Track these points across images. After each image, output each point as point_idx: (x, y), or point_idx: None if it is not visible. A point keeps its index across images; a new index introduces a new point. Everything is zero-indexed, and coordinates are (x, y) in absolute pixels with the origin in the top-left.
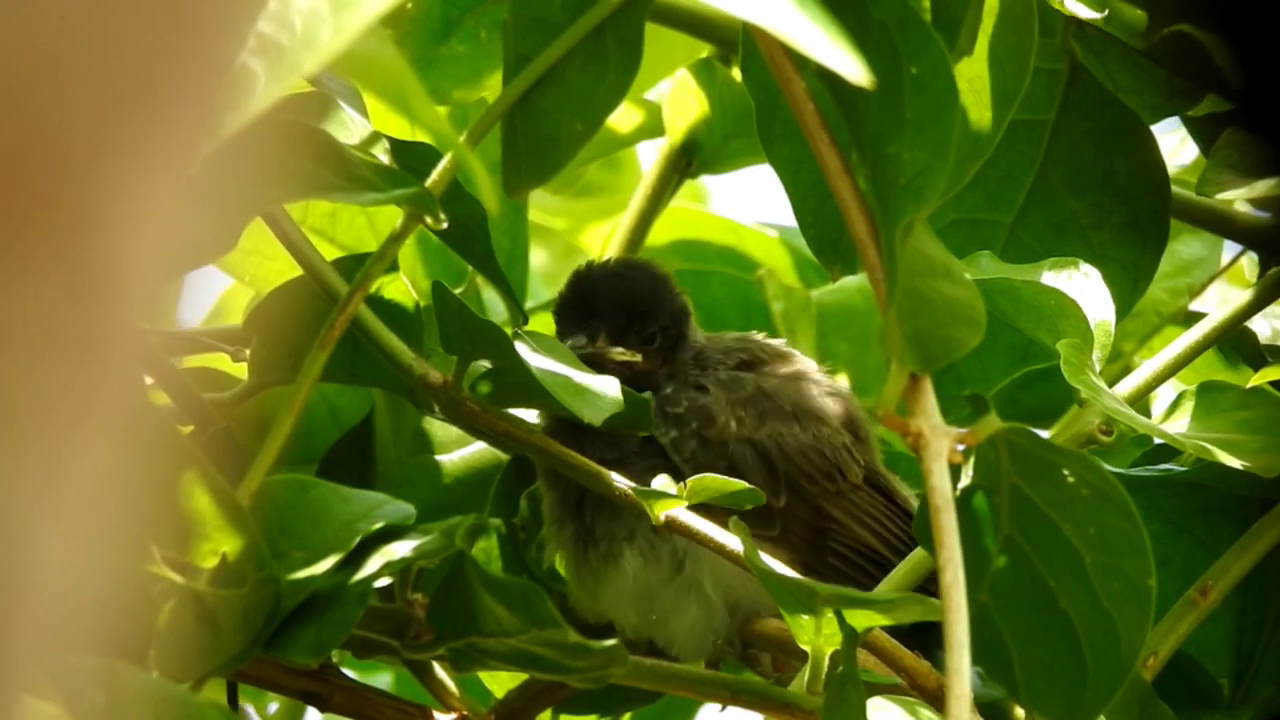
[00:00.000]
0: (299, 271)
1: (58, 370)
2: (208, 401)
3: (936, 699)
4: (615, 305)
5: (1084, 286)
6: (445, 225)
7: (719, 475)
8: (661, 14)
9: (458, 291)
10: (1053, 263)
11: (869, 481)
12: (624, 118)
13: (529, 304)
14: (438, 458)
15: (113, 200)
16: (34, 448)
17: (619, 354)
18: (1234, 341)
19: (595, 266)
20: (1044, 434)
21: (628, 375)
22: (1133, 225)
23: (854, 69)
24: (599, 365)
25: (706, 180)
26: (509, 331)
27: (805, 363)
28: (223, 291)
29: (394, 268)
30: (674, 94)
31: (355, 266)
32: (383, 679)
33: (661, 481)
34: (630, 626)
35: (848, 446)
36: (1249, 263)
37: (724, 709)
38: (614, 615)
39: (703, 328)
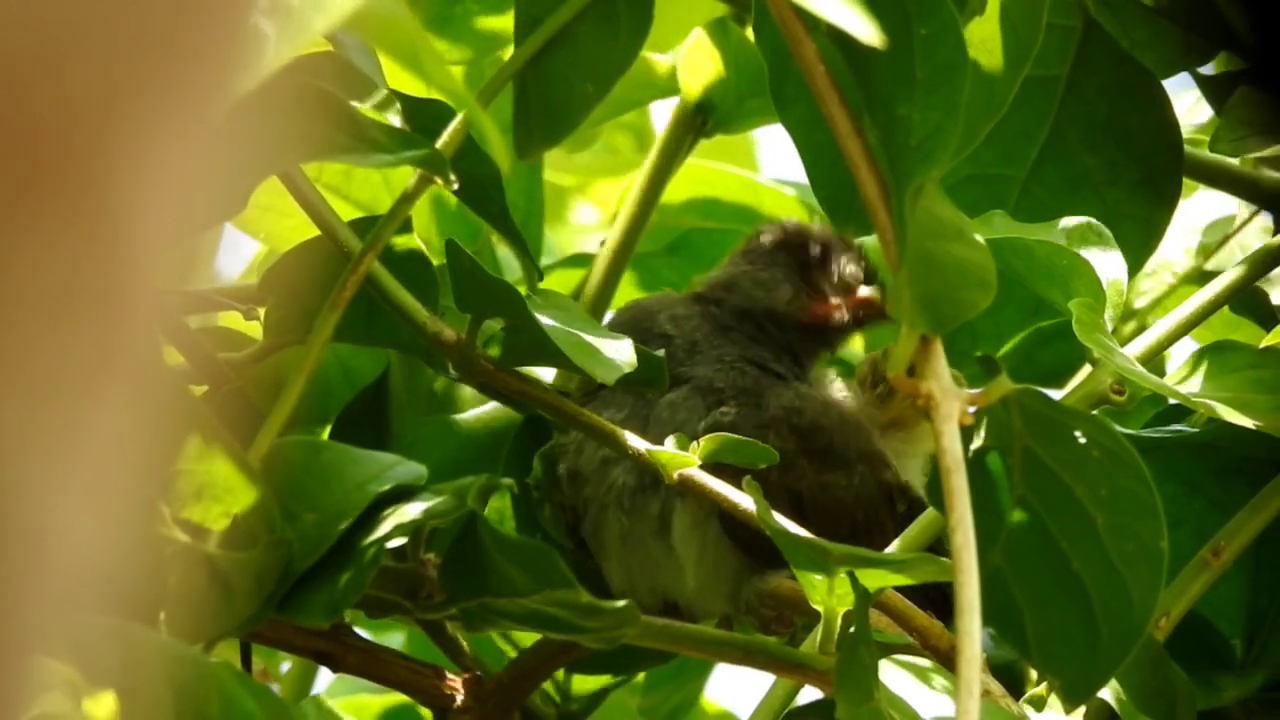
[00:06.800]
0: (314, 229)
1: (72, 331)
2: (223, 361)
3: (949, 660)
4: None
5: (1096, 246)
6: (456, 186)
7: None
8: None
9: (472, 250)
10: (1065, 222)
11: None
12: (639, 77)
13: (544, 262)
14: (452, 418)
15: (125, 161)
16: (47, 409)
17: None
18: (1246, 301)
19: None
20: (1058, 394)
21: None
22: (1146, 182)
23: (864, 29)
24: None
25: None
26: (523, 290)
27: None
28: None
29: (408, 227)
30: (689, 54)
31: (370, 228)
32: (396, 638)
33: (673, 442)
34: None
35: (893, 493)
36: (1263, 221)
37: None
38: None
39: None
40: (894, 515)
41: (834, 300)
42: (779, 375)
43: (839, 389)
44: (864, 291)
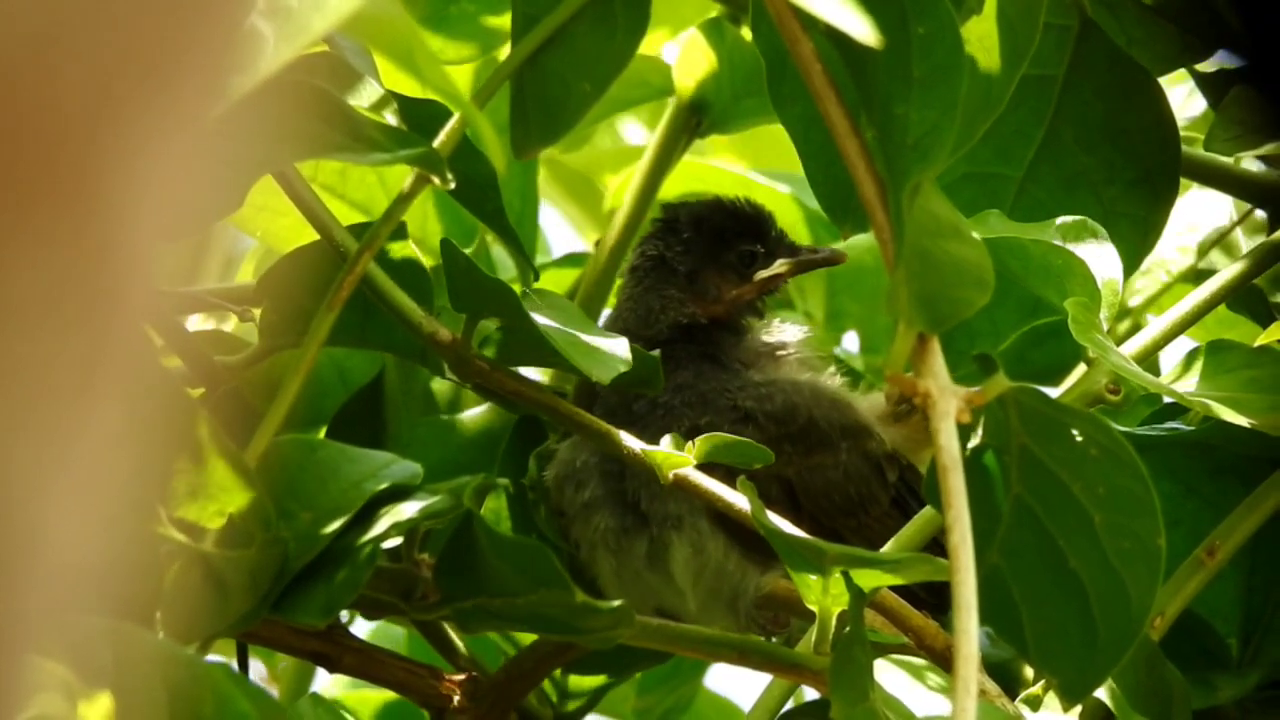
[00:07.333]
0: (309, 228)
1: (66, 332)
2: (218, 364)
3: (944, 659)
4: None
5: (1092, 245)
6: (453, 185)
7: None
8: None
9: (468, 250)
10: (1060, 221)
11: (897, 503)
12: (634, 77)
13: (540, 260)
14: (447, 418)
15: (121, 162)
16: (41, 409)
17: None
18: (1242, 299)
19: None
20: (1053, 392)
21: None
22: (1143, 180)
23: (861, 27)
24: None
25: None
26: (518, 290)
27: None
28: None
29: (403, 228)
30: (683, 53)
31: (365, 231)
32: (396, 633)
33: (668, 442)
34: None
35: (882, 464)
36: (1258, 220)
37: None
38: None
39: None
40: (885, 485)
41: (730, 293)
42: (726, 371)
43: (800, 365)
44: (761, 274)
